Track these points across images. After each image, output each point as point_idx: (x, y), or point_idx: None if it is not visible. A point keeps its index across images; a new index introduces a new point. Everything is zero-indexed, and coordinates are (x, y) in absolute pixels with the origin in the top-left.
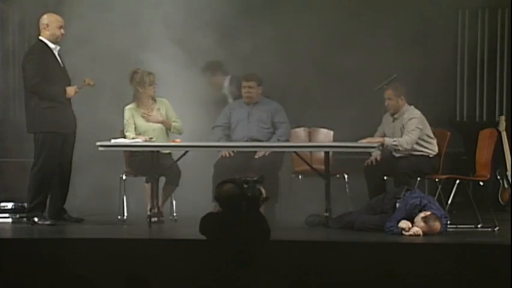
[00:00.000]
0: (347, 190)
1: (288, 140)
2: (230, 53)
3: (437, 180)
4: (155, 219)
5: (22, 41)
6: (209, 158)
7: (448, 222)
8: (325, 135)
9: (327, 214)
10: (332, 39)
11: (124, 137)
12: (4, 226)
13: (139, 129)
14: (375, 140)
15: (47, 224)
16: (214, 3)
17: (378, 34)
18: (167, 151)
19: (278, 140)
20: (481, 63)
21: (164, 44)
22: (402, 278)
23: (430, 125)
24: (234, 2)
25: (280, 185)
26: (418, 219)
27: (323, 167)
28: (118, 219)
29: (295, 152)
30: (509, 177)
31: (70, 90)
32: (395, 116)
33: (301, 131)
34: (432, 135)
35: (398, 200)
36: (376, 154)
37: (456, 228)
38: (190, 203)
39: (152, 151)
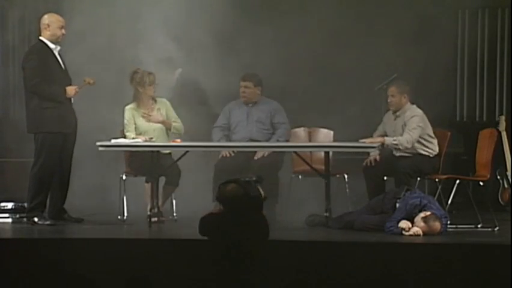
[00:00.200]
0: (347, 190)
1: (288, 141)
2: (230, 52)
3: (437, 180)
4: (155, 219)
5: (22, 38)
6: (209, 158)
7: (448, 222)
8: (325, 135)
9: (327, 214)
10: (332, 39)
11: (124, 137)
12: (4, 226)
13: (139, 129)
14: (375, 140)
15: (47, 224)
16: (215, 3)
17: (379, 34)
18: (168, 151)
19: (277, 141)
20: (481, 63)
21: (164, 43)
22: (402, 278)
23: (431, 125)
24: (234, 2)
25: (280, 185)
26: (418, 219)
27: (323, 167)
28: (118, 219)
29: (295, 152)
30: (509, 177)
31: (70, 90)
32: (397, 113)
33: (301, 131)
34: (433, 135)
35: (398, 200)
36: (375, 154)
37: (456, 228)
38: (190, 203)
39: (152, 151)
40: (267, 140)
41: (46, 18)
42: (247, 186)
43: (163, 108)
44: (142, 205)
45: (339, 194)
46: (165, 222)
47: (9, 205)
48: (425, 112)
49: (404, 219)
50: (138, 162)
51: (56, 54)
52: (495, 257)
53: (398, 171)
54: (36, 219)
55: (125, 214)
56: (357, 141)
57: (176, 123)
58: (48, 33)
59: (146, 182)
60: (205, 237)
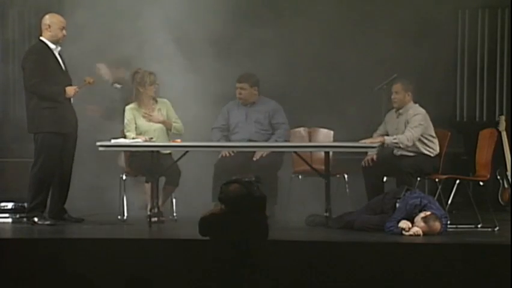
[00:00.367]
0: (347, 190)
1: (287, 141)
2: (230, 52)
3: (437, 180)
4: (155, 219)
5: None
6: (209, 158)
7: (448, 222)
8: (325, 135)
9: (327, 214)
10: (332, 39)
11: (125, 136)
12: (4, 226)
13: (139, 128)
14: (376, 140)
15: (47, 224)
16: (215, 3)
17: (379, 34)
18: (168, 151)
19: (276, 141)
20: (481, 63)
21: (163, 43)
22: (402, 278)
23: None
24: (234, 2)
25: (280, 185)
26: (418, 219)
27: (323, 167)
28: (118, 219)
29: (295, 152)
30: (509, 177)
31: (70, 90)
32: (400, 111)
33: (301, 131)
34: (434, 135)
35: (398, 200)
36: (372, 154)
37: (456, 228)
38: (190, 203)
39: (152, 151)
40: (266, 141)
41: (47, 19)
42: (249, 186)
43: (164, 109)
44: (142, 205)
45: (339, 194)
46: (165, 222)
47: (9, 205)
48: None
49: (404, 219)
50: (138, 162)
51: (57, 54)
52: (495, 257)
53: (400, 170)
54: (36, 219)
55: (125, 214)
56: (357, 141)
57: (177, 124)
58: (49, 33)
59: (146, 182)
60: (206, 238)
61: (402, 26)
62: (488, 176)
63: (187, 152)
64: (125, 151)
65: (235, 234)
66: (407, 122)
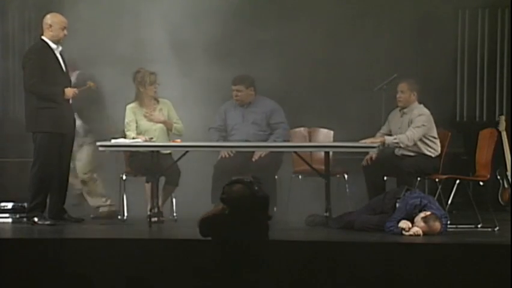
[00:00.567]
0: (347, 190)
1: (287, 140)
2: (230, 52)
3: (437, 180)
4: (155, 219)
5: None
6: (209, 158)
7: (448, 222)
8: (325, 135)
9: (327, 214)
10: (332, 39)
11: (125, 136)
12: (4, 226)
13: (140, 128)
14: (376, 140)
15: (47, 224)
16: (215, 4)
17: (379, 34)
18: (168, 151)
19: (274, 141)
20: (481, 63)
21: (163, 43)
22: (402, 278)
23: None
24: (234, 2)
25: (281, 185)
26: (418, 219)
27: (323, 167)
28: (118, 219)
29: (295, 152)
30: (509, 177)
31: (69, 92)
32: (405, 110)
33: (301, 131)
34: (436, 136)
35: (398, 200)
36: (371, 153)
37: (456, 228)
38: (190, 203)
39: (152, 151)
40: (264, 141)
41: (49, 19)
42: (252, 187)
43: (165, 109)
44: (142, 205)
45: (339, 194)
46: (165, 222)
47: (9, 205)
48: None
49: (404, 219)
50: (138, 162)
51: (58, 54)
52: (495, 257)
53: (401, 170)
54: (36, 219)
55: (125, 214)
56: (357, 141)
57: (178, 125)
58: (50, 33)
59: (147, 182)
60: (208, 238)
61: (402, 26)
62: (488, 176)
63: (187, 152)
64: (125, 151)
65: (238, 235)
66: (410, 122)
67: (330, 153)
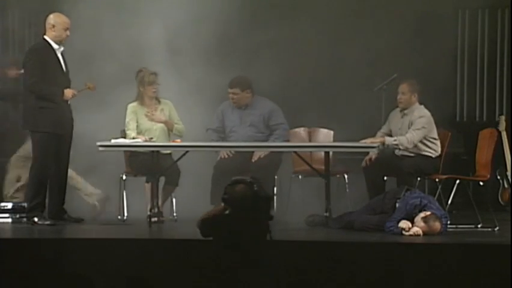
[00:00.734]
0: (347, 190)
1: (287, 141)
2: (229, 52)
3: (437, 180)
4: (155, 219)
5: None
6: (209, 157)
7: (448, 222)
8: (325, 135)
9: (327, 214)
10: (332, 39)
11: (125, 135)
12: (4, 226)
13: (140, 127)
14: (376, 140)
15: (47, 224)
16: (215, 4)
17: (379, 34)
18: (168, 151)
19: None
20: (481, 63)
21: (163, 44)
22: (402, 278)
23: None
24: (234, 2)
25: (281, 185)
26: (418, 219)
27: (323, 167)
28: (118, 219)
29: (295, 152)
30: (509, 177)
31: (68, 92)
32: (405, 111)
33: (301, 131)
34: (437, 137)
35: (398, 200)
36: (371, 153)
37: (456, 228)
38: (190, 203)
39: (152, 151)
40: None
41: (52, 19)
42: (253, 187)
43: (167, 109)
44: (142, 205)
45: (339, 194)
46: (165, 222)
47: (9, 205)
48: None
49: (404, 219)
50: (138, 162)
51: (59, 54)
52: (495, 257)
53: (402, 171)
54: (36, 219)
55: (125, 214)
56: (357, 141)
57: (178, 125)
58: (53, 33)
59: (147, 182)
60: (209, 238)
61: (402, 26)
62: (488, 176)
63: (187, 152)
64: (125, 151)
65: (240, 235)
66: (411, 123)
67: (330, 153)
